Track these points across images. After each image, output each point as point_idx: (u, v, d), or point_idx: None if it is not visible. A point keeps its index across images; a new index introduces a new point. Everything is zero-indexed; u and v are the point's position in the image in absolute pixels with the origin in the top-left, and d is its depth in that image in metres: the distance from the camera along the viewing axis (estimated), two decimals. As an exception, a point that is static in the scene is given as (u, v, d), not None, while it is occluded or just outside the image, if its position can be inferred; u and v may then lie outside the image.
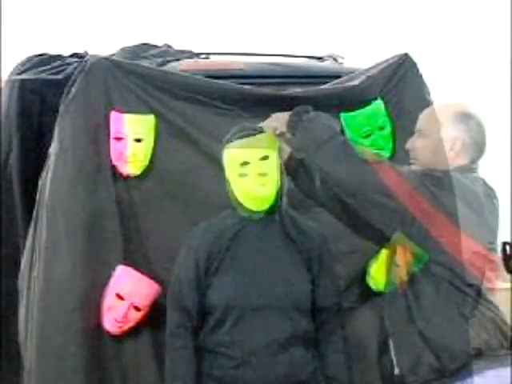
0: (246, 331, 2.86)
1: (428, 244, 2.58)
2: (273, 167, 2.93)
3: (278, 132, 2.87)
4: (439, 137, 2.71)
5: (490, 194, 2.69)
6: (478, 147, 2.73)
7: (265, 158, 2.91)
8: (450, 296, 2.59)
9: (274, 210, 2.97)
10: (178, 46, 4.21)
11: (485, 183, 2.71)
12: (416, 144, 2.78)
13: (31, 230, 3.38)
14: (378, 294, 3.31)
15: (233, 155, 2.92)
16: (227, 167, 2.96)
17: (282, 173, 2.98)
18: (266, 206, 2.94)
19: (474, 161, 2.74)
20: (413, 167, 2.80)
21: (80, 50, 4.04)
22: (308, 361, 2.94)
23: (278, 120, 2.85)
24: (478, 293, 2.61)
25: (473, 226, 2.59)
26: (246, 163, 2.91)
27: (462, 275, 2.59)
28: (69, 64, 3.81)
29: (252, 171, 2.90)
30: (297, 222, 3.04)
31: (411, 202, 2.56)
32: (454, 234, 2.57)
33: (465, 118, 2.72)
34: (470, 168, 2.72)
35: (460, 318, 2.58)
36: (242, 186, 2.92)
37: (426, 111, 2.84)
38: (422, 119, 2.81)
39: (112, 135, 3.35)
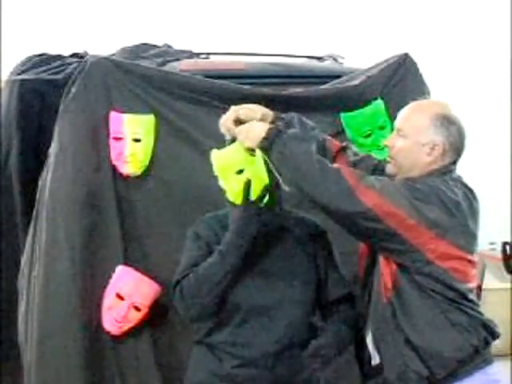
0: (251, 331, 2.85)
1: (412, 257, 2.56)
2: (252, 177, 2.80)
3: (246, 147, 2.75)
4: (419, 139, 2.68)
5: (469, 196, 2.66)
6: (456, 151, 2.71)
7: (240, 172, 2.82)
8: (436, 304, 2.58)
9: (272, 204, 2.95)
10: (178, 45, 4.22)
11: (463, 184, 2.69)
12: (395, 143, 2.74)
13: (31, 230, 3.38)
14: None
15: (214, 164, 2.88)
16: None
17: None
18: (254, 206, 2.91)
19: (452, 163, 2.72)
20: (388, 166, 2.77)
21: (80, 50, 4.04)
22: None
23: (246, 134, 2.71)
24: (464, 296, 2.61)
25: (456, 233, 2.58)
26: (222, 176, 2.87)
27: (448, 283, 2.58)
28: (69, 64, 3.82)
29: (228, 183, 2.85)
30: (299, 219, 3.04)
31: (396, 220, 2.53)
32: (439, 245, 2.55)
33: (446, 122, 2.68)
34: (448, 169, 2.70)
35: (447, 324, 2.58)
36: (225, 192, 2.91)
37: (407, 110, 2.79)
38: (403, 118, 2.77)
39: (111, 135, 3.35)
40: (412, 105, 2.80)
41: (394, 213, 2.52)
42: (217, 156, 2.84)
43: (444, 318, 2.57)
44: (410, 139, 2.70)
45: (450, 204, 2.57)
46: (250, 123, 2.75)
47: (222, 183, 2.86)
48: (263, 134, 2.65)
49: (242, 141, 2.73)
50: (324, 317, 3.00)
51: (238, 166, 2.79)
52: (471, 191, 2.68)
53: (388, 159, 2.78)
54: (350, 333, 2.93)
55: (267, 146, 2.64)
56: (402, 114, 2.78)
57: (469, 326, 2.58)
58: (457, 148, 2.70)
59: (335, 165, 2.62)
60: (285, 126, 2.76)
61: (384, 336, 2.66)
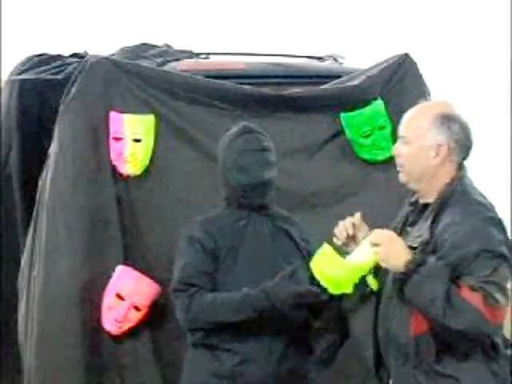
0: (250, 328, 2.86)
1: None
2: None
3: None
4: (423, 143, 2.64)
5: (494, 210, 2.63)
6: (464, 149, 2.67)
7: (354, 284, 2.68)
8: (480, 351, 2.56)
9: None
10: (177, 46, 4.21)
11: (483, 196, 2.66)
12: (401, 151, 2.71)
13: (31, 230, 3.38)
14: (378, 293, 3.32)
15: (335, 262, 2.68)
16: None
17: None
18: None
19: (462, 162, 2.69)
20: (400, 175, 2.71)
21: (80, 50, 4.04)
22: (307, 356, 2.96)
23: (385, 258, 2.57)
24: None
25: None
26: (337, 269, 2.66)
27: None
28: (69, 64, 3.82)
29: (334, 279, 2.65)
30: (295, 222, 3.05)
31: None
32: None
33: (447, 120, 2.64)
34: (462, 175, 2.66)
35: (490, 374, 2.55)
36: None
37: (407, 115, 2.74)
38: (404, 125, 2.72)
39: (111, 135, 3.36)
40: (412, 110, 2.76)
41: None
42: (348, 265, 2.63)
43: (486, 367, 2.56)
44: (414, 144, 2.67)
45: (507, 243, 2.55)
46: (390, 241, 2.59)
47: (323, 266, 2.65)
48: (401, 268, 2.54)
49: (380, 260, 2.60)
50: (314, 316, 3.02)
51: (357, 279, 2.67)
52: (491, 204, 2.65)
53: (398, 168, 2.74)
54: (342, 337, 2.99)
55: (402, 277, 2.56)
56: (403, 120, 2.74)
57: (507, 375, 2.58)
58: (463, 145, 2.66)
59: (461, 293, 2.49)
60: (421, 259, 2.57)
61: (404, 369, 2.63)
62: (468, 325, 2.46)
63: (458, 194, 2.61)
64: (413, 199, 2.76)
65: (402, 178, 2.73)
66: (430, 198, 2.66)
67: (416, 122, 2.69)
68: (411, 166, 2.68)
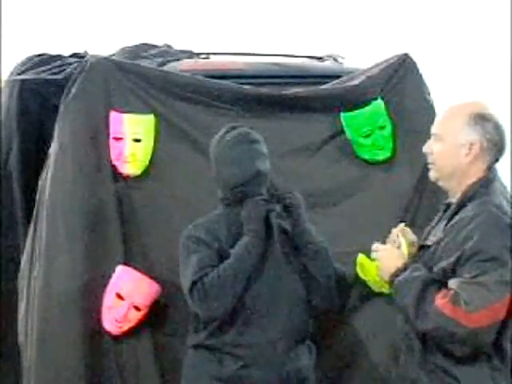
0: (254, 331, 2.86)
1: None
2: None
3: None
4: (456, 141, 2.66)
5: None
6: (496, 148, 2.67)
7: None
8: (486, 364, 2.57)
9: None
10: (177, 46, 4.21)
11: (505, 197, 2.65)
12: (433, 148, 2.72)
13: (31, 230, 3.38)
14: (379, 294, 3.32)
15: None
16: None
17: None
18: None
19: (494, 162, 2.68)
20: (430, 173, 2.74)
21: (80, 50, 4.04)
22: (309, 358, 2.97)
23: (381, 265, 2.76)
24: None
25: None
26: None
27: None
28: (69, 64, 3.82)
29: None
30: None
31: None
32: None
33: (480, 120, 2.66)
34: (492, 177, 2.66)
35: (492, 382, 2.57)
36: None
37: (442, 114, 2.78)
38: (438, 123, 2.75)
39: (111, 135, 3.36)
40: (446, 109, 2.78)
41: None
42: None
43: (488, 375, 2.56)
44: (446, 142, 2.68)
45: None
46: (388, 251, 2.77)
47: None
48: (390, 272, 2.70)
49: (378, 268, 2.81)
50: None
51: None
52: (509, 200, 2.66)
53: (429, 166, 2.76)
54: None
55: (390, 280, 2.70)
56: (438, 118, 2.77)
57: None
58: (496, 144, 2.67)
59: (433, 296, 2.55)
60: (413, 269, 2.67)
61: (409, 365, 2.65)
62: (432, 327, 2.50)
63: (479, 194, 2.62)
64: (446, 201, 2.77)
65: (433, 175, 2.74)
66: (456, 198, 2.67)
67: (450, 121, 2.71)
68: (442, 163, 2.69)
